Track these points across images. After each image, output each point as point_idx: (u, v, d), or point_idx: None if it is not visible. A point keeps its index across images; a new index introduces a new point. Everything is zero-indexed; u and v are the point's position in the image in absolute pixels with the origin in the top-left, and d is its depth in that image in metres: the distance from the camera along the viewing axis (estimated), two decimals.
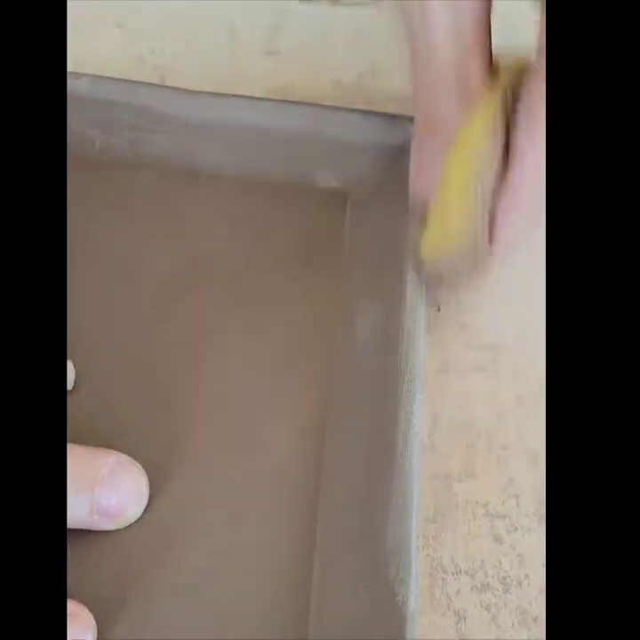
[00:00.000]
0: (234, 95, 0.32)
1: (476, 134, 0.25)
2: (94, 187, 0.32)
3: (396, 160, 0.32)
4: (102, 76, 0.31)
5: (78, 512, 0.23)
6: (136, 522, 0.24)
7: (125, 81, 0.32)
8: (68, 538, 0.23)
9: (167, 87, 0.33)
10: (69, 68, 0.27)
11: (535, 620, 0.25)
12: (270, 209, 0.32)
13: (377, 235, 0.31)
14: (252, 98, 0.32)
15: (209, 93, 0.32)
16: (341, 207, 0.32)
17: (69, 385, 0.27)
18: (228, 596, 0.24)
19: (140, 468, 0.24)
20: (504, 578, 0.25)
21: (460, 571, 0.25)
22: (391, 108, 0.33)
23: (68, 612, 0.22)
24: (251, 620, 0.23)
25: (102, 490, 0.23)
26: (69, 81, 0.29)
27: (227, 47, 0.38)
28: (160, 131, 0.33)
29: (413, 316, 0.27)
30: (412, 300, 0.27)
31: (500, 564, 0.26)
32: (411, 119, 0.31)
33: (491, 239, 0.26)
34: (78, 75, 0.31)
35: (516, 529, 0.26)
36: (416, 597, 0.22)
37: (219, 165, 0.33)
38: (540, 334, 0.29)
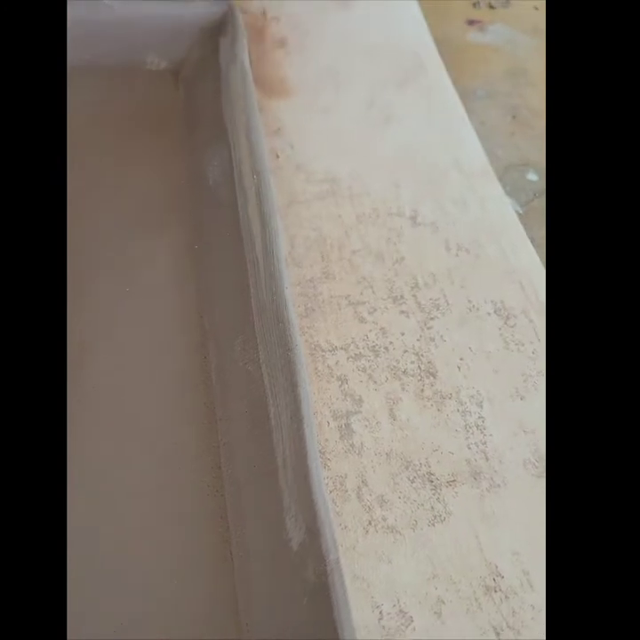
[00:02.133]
0: None
1: None
2: None
3: (214, 37, 0.35)
4: None
5: None
6: None
7: None
8: None
9: None
10: None
11: (405, 372, 0.29)
12: (109, 93, 0.35)
13: (209, 100, 0.34)
14: None
15: None
16: (173, 83, 0.35)
17: None
18: (142, 414, 0.26)
19: None
20: (373, 347, 0.30)
21: (336, 348, 0.29)
22: None
23: None
24: (160, 429, 0.26)
25: None
26: None
27: None
28: None
29: (257, 157, 0.31)
30: (254, 146, 0.31)
31: (368, 337, 0.30)
32: (223, 2, 0.35)
33: None
34: None
35: (375, 310, 0.31)
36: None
37: None
38: (369, 171, 0.34)
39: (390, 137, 0.36)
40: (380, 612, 0.23)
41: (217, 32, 0.35)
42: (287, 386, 0.25)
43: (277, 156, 0.34)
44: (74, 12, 0.34)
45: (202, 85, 0.35)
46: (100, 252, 0.29)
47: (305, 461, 0.23)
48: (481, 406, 0.28)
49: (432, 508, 0.26)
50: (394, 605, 0.24)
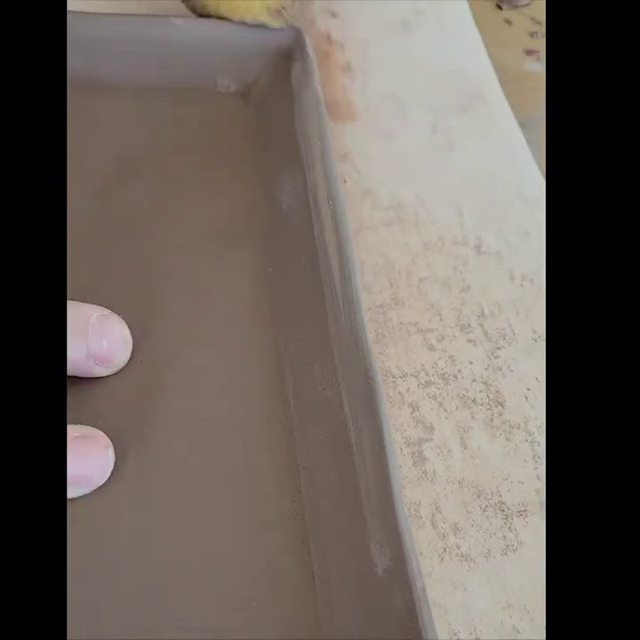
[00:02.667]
0: (131, 14, 0.35)
1: None
2: None
3: (284, 61, 0.36)
4: None
5: (77, 358, 0.25)
6: (125, 366, 0.27)
7: None
8: (70, 385, 0.26)
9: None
10: None
11: (474, 401, 0.30)
12: (180, 114, 0.35)
13: (281, 122, 0.35)
14: (148, 15, 0.35)
15: (107, 14, 0.35)
16: (243, 106, 0.36)
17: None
18: (218, 436, 0.27)
19: (121, 319, 0.27)
20: (442, 374, 0.30)
21: (406, 374, 0.30)
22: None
23: (83, 434, 0.24)
24: (237, 451, 0.26)
25: (93, 336, 0.26)
26: None
27: None
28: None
29: (332, 183, 0.31)
30: (329, 171, 0.31)
31: (437, 365, 0.30)
32: (293, 27, 0.36)
33: None
34: None
35: (443, 338, 0.31)
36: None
37: (119, 79, 0.36)
38: (434, 197, 0.35)
39: (453, 163, 0.37)
40: None
41: (287, 56, 0.36)
42: (368, 413, 0.25)
43: (345, 181, 0.35)
44: (142, 33, 0.35)
45: (273, 109, 0.35)
46: (174, 272, 0.30)
47: (389, 488, 0.24)
48: None
49: (504, 537, 0.26)
50: (471, 633, 0.24)
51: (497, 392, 0.30)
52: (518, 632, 0.24)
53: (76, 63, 0.35)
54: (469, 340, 0.31)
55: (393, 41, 0.41)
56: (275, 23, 0.35)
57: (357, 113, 0.38)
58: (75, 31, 0.34)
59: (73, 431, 0.24)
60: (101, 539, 0.24)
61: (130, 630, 0.22)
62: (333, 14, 0.42)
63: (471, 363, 0.30)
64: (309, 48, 0.35)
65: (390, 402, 0.29)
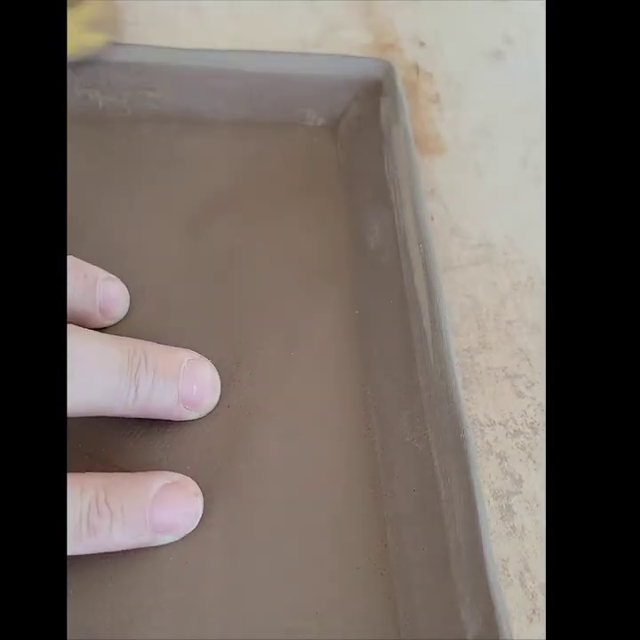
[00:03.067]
0: (223, 50, 0.36)
1: None
2: (104, 142, 0.34)
3: (373, 95, 0.36)
4: None
5: (168, 401, 0.26)
6: (214, 410, 0.27)
7: (118, 44, 0.34)
8: (159, 429, 0.26)
9: (159, 47, 0.36)
10: None
11: None
12: (269, 148, 0.35)
13: (369, 158, 0.35)
14: (240, 51, 0.35)
15: (198, 49, 0.35)
16: (331, 140, 0.36)
17: (124, 309, 0.29)
18: (304, 484, 0.27)
19: (211, 363, 0.27)
20: (531, 423, 0.29)
21: (494, 422, 0.29)
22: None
23: (175, 480, 0.25)
24: (322, 500, 0.26)
25: (184, 380, 0.26)
26: None
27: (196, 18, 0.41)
28: (155, 87, 0.35)
29: (423, 225, 0.31)
30: (418, 212, 0.31)
31: (526, 413, 0.30)
32: (383, 60, 0.36)
33: None
34: None
35: (533, 385, 0.30)
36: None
37: (213, 113, 0.36)
38: (523, 235, 0.34)
39: (544, 199, 0.36)
40: None
41: (375, 90, 0.36)
42: (459, 468, 0.25)
43: (432, 219, 0.34)
44: (235, 66, 0.35)
45: (361, 144, 0.35)
46: (263, 313, 0.30)
47: (480, 550, 0.23)
48: None
49: None
50: None
51: None
52: None
53: (169, 97, 0.35)
54: None
55: (483, 71, 0.40)
56: (95, 40, 0.33)
57: (446, 146, 0.37)
58: (168, 65, 0.34)
59: (163, 478, 0.24)
60: (189, 586, 0.24)
61: None
62: (422, 43, 0.41)
63: None
64: (399, 82, 0.35)
65: (477, 451, 0.28)
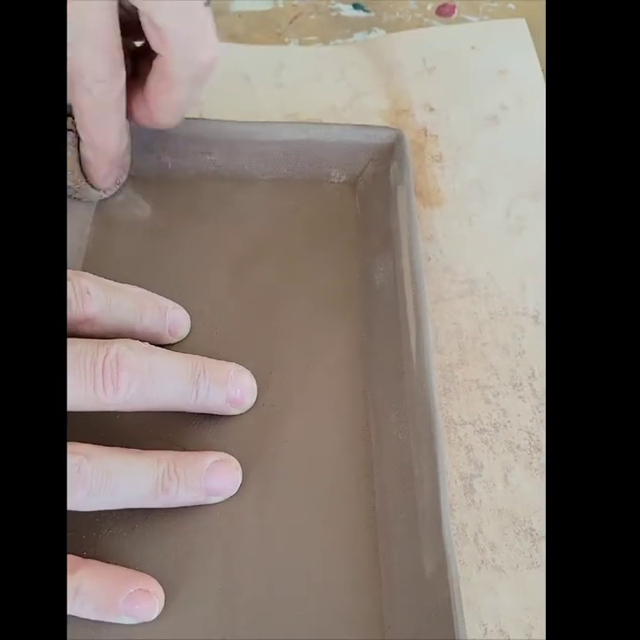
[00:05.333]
0: (265, 122, 0.45)
1: None
2: (174, 198, 0.44)
3: (386, 158, 0.45)
4: None
5: (219, 401, 0.35)
6: (252, 407, 0.37)
7: (185, 118, 0.44)
8: (211, 421, 0.36)
9: (216, 120, 0.45)
10: None
11: (518, 446, 0.38)
12: (301, 201, 0.45)
13: (379, 211, 0.44)
14: (281, 122, 0.45)
15: (246, 122, 0.45)
16: (351, 194, 0.45)
17: (186, 331, 0.39)
18: (319, 462, 0.36)
19: (250, 372, 0.37)
20: (494, 424, 0.39)
21: (465, 422, 0.39)
22: (375, 121, 0.47)
23: (222, 458, 0.34)
24: (330, 475, 0.36)
25: (231, 385, 0.36)
26: None
27: (245, 87, 0.51)
28: (212, 151, 0.45)
29: (416, 270, 0.40)
30: (414, 257, 0.40)
31: (491, 416, 0.39)
32: (394, 129, 0.45)
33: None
34: None
35: (498, 394, 0.39)
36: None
37: (259, 172, 0.46)
38: (502, 273, 0.43)
39: (522, 244, 0.45)
40: (485, 630, 0.32)
41: (388, 153, 0.45)
42: (428, 455, 0.34)
43: (429, 259, 0.43)
44: (277, 136, 0.45)
45: (374, 199, 0.44)
46: (291, 335, 0.39)
47: (439, 513, 0.32)
48: None
49: (531, 556, 0.34)
50: (496, 625, 0.33)
51: (537, 440, 0.38)
52: (532, 628, 0.33)
53: (224, 160, 0.45)
54: (520, 397, 0.39)
55: (481, 134, 0.49)
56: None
57: (445, 199, 0.46)
58: (223, 134, 0.44)
59: (214, 456, 0.34)
60: (230, 533, 0.34)
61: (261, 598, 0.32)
62: (431, 109, 0.50)
63: (519, 415, 0.39)
64: (407, 148, 0.44)
65: (450, 444, 0.38)
